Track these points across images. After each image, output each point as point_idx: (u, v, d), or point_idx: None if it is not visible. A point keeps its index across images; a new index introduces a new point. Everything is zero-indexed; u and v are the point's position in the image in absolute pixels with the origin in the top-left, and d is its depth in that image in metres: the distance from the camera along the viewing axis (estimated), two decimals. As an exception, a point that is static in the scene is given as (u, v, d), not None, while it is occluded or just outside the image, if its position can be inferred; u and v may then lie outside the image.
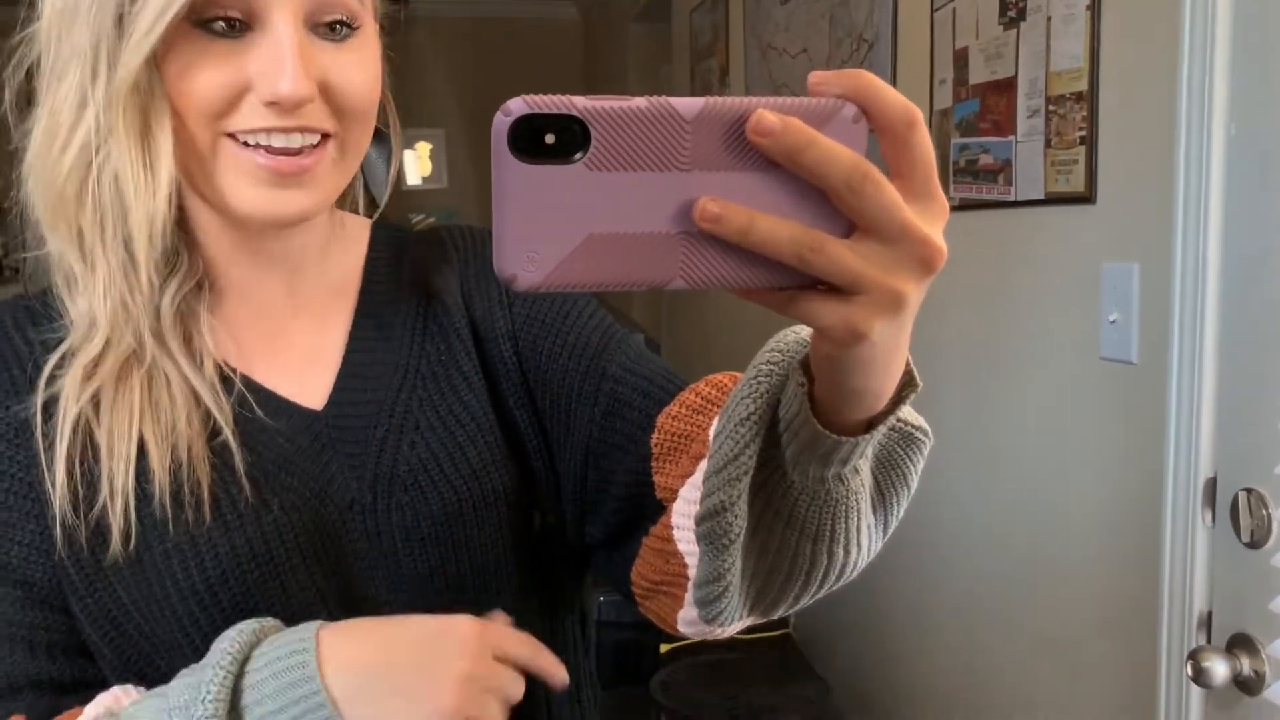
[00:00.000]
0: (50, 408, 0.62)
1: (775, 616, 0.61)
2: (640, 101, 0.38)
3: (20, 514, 0.62)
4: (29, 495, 0.62)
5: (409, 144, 4.85)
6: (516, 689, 0.60)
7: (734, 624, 0.60)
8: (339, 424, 0.70)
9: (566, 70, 5.37)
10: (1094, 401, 1.47)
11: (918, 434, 0.54)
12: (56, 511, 0.61)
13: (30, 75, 0.64)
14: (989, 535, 1.79)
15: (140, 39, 0.57)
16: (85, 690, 0.61)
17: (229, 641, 0.56)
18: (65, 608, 0.63)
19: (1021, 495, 1.67)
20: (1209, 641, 1.23)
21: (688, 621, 0.63)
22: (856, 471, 0.52)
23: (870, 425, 0.48)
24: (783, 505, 0.53)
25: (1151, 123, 1.31)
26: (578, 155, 0.38)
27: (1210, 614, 1.24)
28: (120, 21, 0.58)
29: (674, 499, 0.63)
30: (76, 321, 0.64)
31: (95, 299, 0.62)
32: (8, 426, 0.63)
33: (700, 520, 0.54)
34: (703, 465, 0.56)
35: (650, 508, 0.67)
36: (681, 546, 0.61)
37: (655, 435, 0.67)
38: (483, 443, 0.72)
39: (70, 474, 0.61)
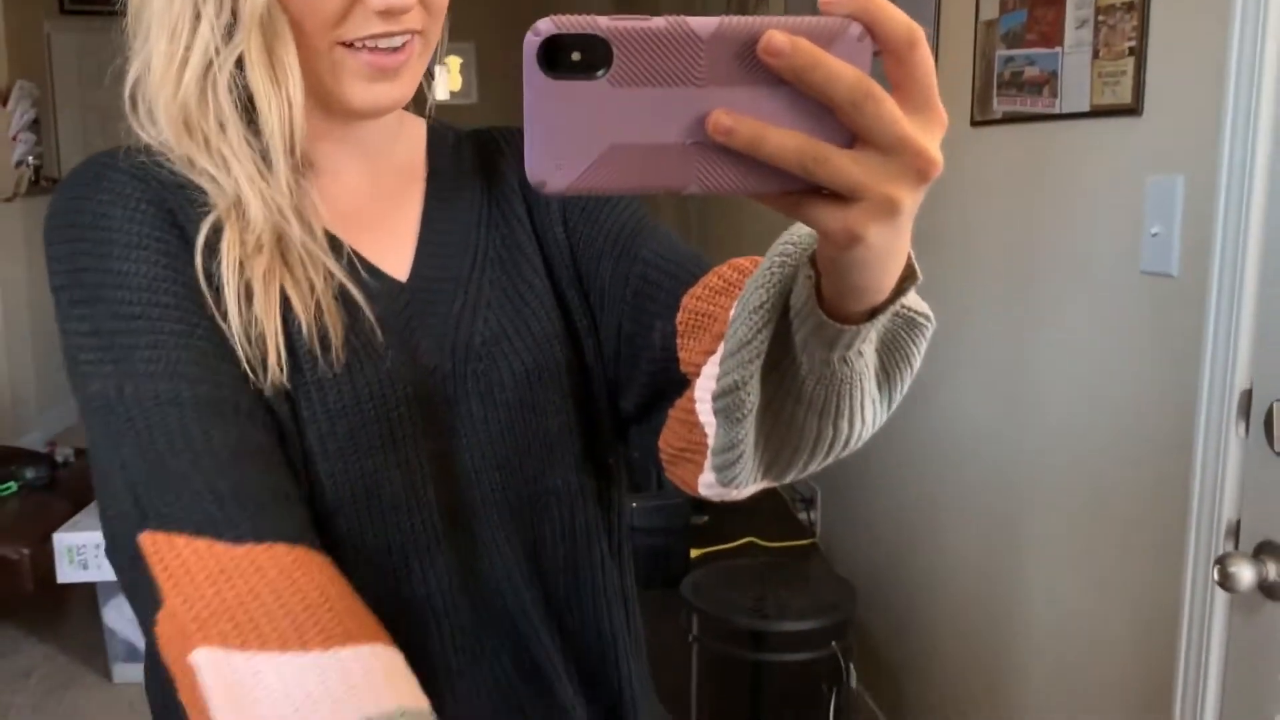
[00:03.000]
0: (208, 257, 0.68)
1: (785, 481, 0.68)
2: (659, 21, 0.42)
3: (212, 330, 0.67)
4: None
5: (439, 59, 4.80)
6: None
7: (748, 488, 0.67)
8: (421, 296, 0.75)
9: (598, -18, 5.29)
10: (1132, 315, 1.48)
11: (920, 319, 0.58)
12: (237, 338, 0.66)
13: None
14: (1021, 446, 1.82)
15: None
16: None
17: None
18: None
19: (1056, 407, 1.70)
20: (1236, 549, 1.26)
21: (707, 484, 0.69)
22: (860, 354, 0.56)
23: (872, 314, 0.53)
24: (792, 384, 0.59)
25: (1203, 33, 1.30)
26: (601, 72, 0.41)
27: (1239, 522, 1.26)
28: None
29: (697, 374, 0.68)
30: (218, 198, 0.69)
31: (241, 186, 0.69)
32: (177, 244, 0.68)
33: (717, 397, 0.60)
34: (723, 345, 0.61)
35: (676, 381, 0.73)
36: (703, 419, 0.66)
37: (681, 314, 0.73)
38: (546, 319, 0.78)
39: (239, 310, 0.67)
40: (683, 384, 0.72)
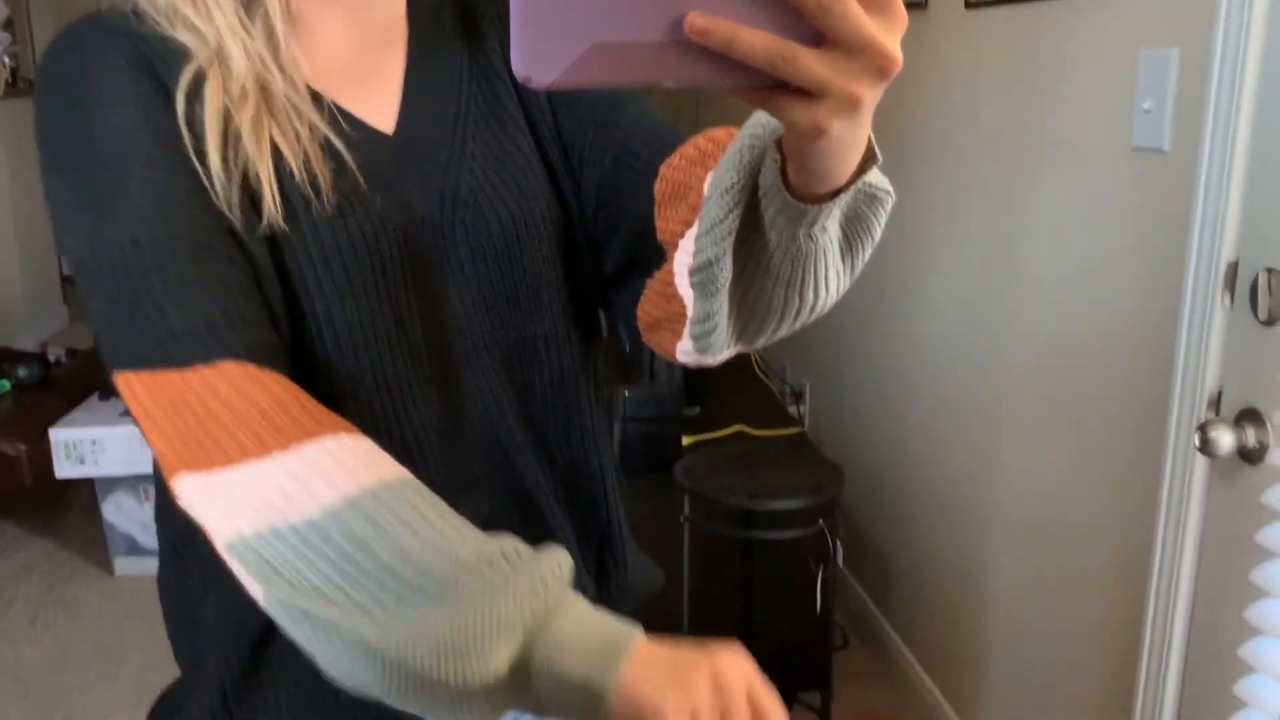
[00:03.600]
0: (189, 105, 0.69)
1: (756, 346, 0.73)
2: None
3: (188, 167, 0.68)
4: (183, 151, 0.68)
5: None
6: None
7: (722, 353, 0.73)
8: (408, 148, 0.77)
9: None
10: (1122, 190, 1.49)
11: (880, 194, 0.62)
12: (216, 180, 0.67)
13: None
14: (1007, 326, 1.84)
15: None
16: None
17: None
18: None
19: (1043, 285, 1.71)
20: (1217, 416, 1.29)
21: (684, 351, 0.74)
22: (825, 229, 0.61)
23: (834, 194, 0.58)
24: (762, 257, 0.64)
25: (1203, -100, 1.28)
26: None
27: (1220, 392, 1.29)
28: None
29: (674, 243, 0.72)
30: (199, 49, 0.70)
31: (224, 36, 0.70)
32: (157, 95, 0.69)
33: (693, 272, 0.66)
34: (697, 223, 0.66)
35: (653, 248, 0.76)
36: (681, 291, 0.70)
37: (658, 184, 0.76)
38: (531, 174, 0.81)
39: (222, 154, 0.68)
40: (659, 252, 0.76)
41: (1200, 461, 1.32)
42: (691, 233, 0.68)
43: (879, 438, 2.51)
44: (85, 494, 3.59)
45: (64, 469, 2.96)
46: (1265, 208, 1.21)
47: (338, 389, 0.72)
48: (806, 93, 0.47)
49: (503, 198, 0.78)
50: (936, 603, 2.20)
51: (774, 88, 0.47)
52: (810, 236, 0.61)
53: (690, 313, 0.70)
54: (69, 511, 3.59)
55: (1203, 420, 1.29)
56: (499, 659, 0.57)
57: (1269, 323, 1.20)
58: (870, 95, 0.48)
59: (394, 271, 0.73)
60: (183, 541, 0.79)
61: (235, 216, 0.68)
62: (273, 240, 0.70)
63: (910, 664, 2.34)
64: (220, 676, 0.77)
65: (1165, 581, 1.39)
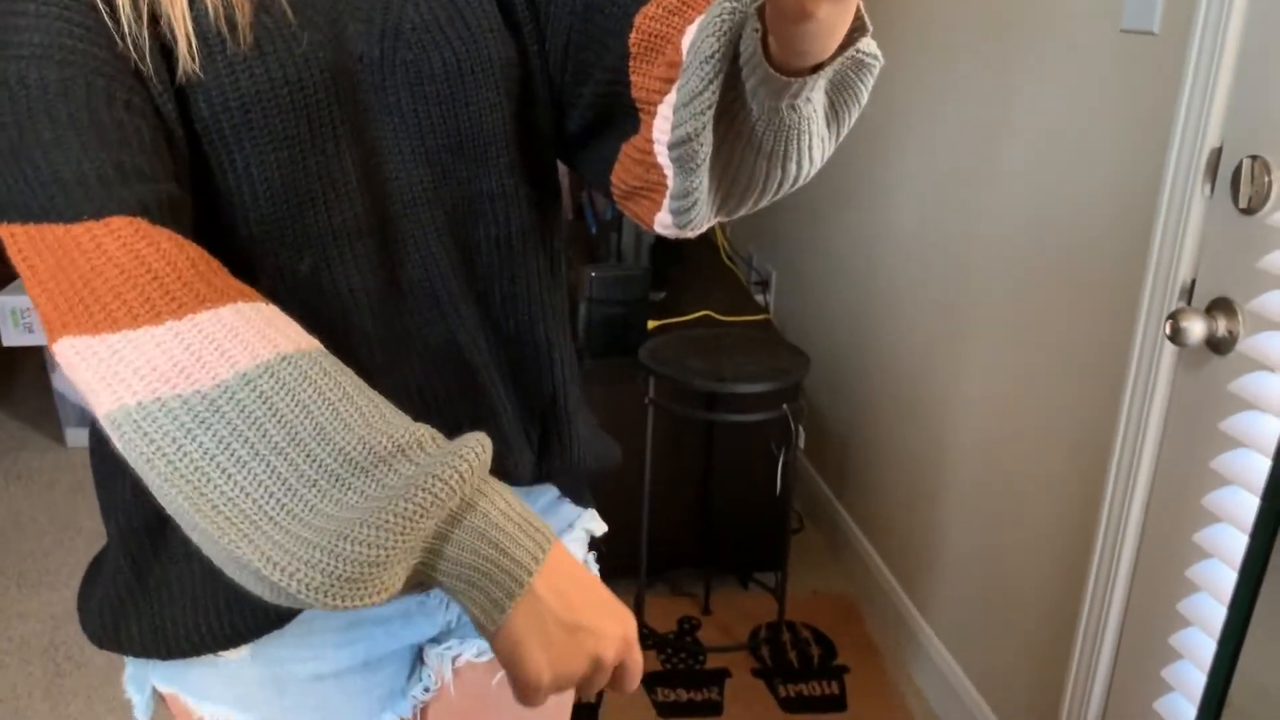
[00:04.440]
0: None
1: (737, 216, 0.71)
2: None
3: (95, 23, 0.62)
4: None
5: None
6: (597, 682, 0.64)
7: (702, 226, 0.70)
8: None
9: None
10: (1108, 73, 1.45)
11: (868, 59, 0.59)
12: (126, 29, 0.61)
13: None
14: (983, 209, 1.82)
15: None
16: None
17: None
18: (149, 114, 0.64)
19: (1020, 170, 1.69)
20: (1189, 305, 1.29)
21: (663, 224, 0.71)
22: (809, 100, 0.59)
23: (817, 68, 0.55)
24: (743, 128, 0.61)
25: None
26: None
27: (1194, 282, 1.29)
28: None
29: (650, 106, 0.68)
30: None
31: None
32: None
33: (672, 146, 0.63)
34: (675, 94, 0.62)
35: (625, 106, 0.72)
36: (660, 160, 0.67)
37: (633, 34, 0.71)
38: (481, 12, 0.75)
39: (133, 5, 0.62)
40: (633, 111, 0.71)
41: (1168, 351, 1.33)
42: (670, 100, 0.65)
43: (843, 326, 2.51)
44: (34, 363, 3.53)
45: (11, 337, 2.89)
46: (1254, 94, 1.19)
47: (260, 248, 0.67)
48: None
49: (448, 36, 0.72)
50: (894, 490, 2.23)
51: None
52: (794, 108, 0.59)
53: (670, 186, 0.67)
54: (18, 381, 3.53)
55: (1174, 309, 1.28)
56: (393, 580, 0.53)
57: (1248, 211, 1.19)
58: None
59: (321, 117, 0.67)
60: None
61: (143, 60, 0.62)
62: (183, 90, 0.64)
63: (865, 549, 2.38)
64: (125, 538, 0.75)
65: (1124, 470, 1.41)
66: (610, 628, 0.60)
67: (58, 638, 2.25)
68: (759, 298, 3.03)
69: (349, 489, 0.53)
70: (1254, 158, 1.17)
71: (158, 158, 0.61)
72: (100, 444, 0.77)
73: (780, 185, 0.66)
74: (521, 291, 0.79)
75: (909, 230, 2.13)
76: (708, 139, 0.61)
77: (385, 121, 0.71)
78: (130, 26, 0.61)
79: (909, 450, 2.14)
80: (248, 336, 0.55)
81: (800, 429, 2.01)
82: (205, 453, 0.52)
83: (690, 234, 0.71)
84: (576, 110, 0.77)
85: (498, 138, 0.75)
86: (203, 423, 0.52)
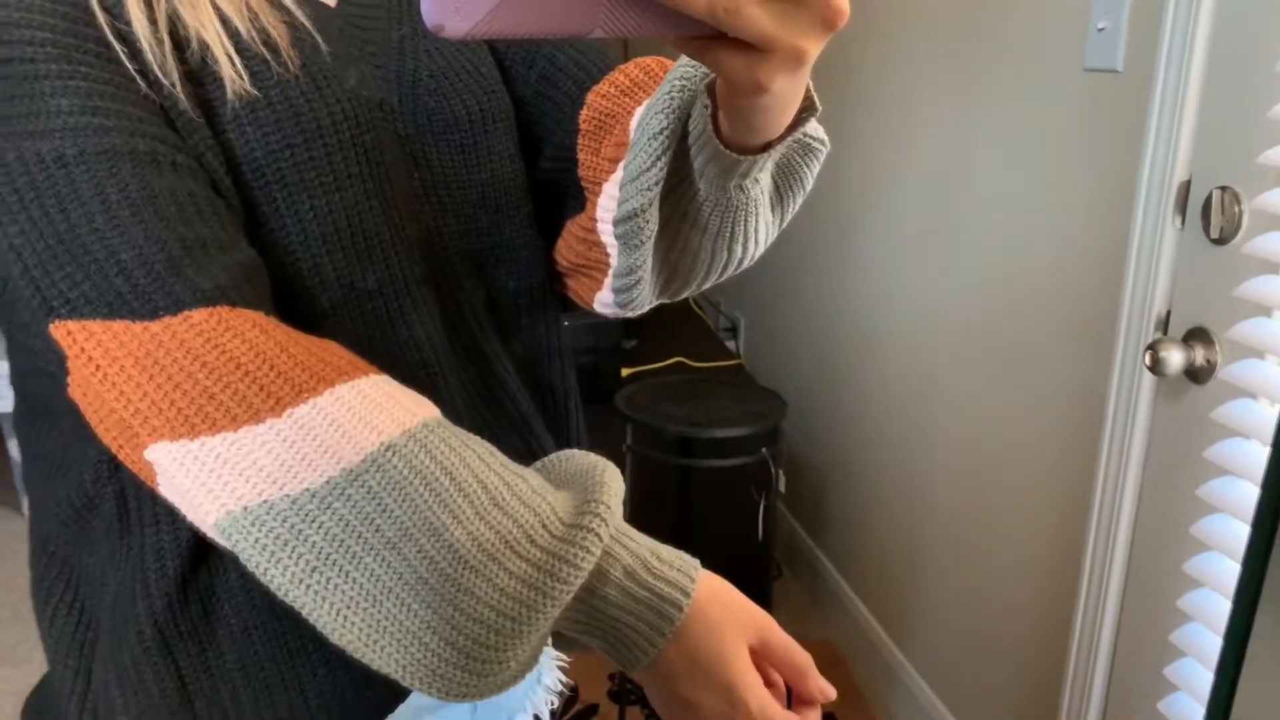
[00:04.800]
0: None
1: (679, 299, 0.71)
2: None
3: (127, 91, 0.57)
4: (117, 71, 0.57)
5: None
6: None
7: (644, 307, 0.69)
8: (356, 22, 0.68)
9: None
10: (1074, 111, 1.48)
11: (815, 144, 0.59)
12: (156, 67, 0.57)
13: None
14: (954, 247, 1.84)
15: None
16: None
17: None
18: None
19: (991, 207, 1.71)
20: (1165, 336, 1.30)
21: (604, 303, 0.71)
22: (756, 181, 0.58)
23: (767, 146, 0.54)
24: (690, 209, 0.60)
25: None
26: None
27: (1169, 313, 1.30)
28: None
29: (597, 185, 0.68)
30: None
31: None
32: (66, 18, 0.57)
33: (618, 222, 0.62)
34: (622, 170, 0.62)
35: (573, 186, 0.71)
36: (604, 238, 0.66)
37: (584, 111, 0.71)
38: (489, 63, 0.74)
39: (149, 17, 0.57)
40: (578, 189, 0.71)
41: (1147, 382, 1.33)
42: (616, 178, 0.64)
43: (815, 371, 2.51)
44: (-9, 431, 3.44)
45: (-32, 404, 2.82)
46: (1220, 126, 1.21)
47: (331, 294, 0.63)
48: (748, 45, 0.43)
49: (468, 85, 0.71)
50: (873, 532, 2.22)
51: (713, 38, 0.43)
52: (741, 188, 0.58)
53: (613, 264, 0.66)
54: (-26, 450, 3.44)
55: (1153, 339, 1.29)
56: (522, 668, 0.53)
57: (1220, 241, 1.21)
58: (815, 49, 0.44)
59: (375, 158, 0.64)
60: (86, 506, 0.64)
61: (177, 90, 0.57)
62: (227, 132, 0.59)
63: (846, 594, 2.36)
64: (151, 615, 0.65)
65: (1108, 502, 1.41)
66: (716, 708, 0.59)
67: (18, 716, 2.17)
68: (730, 344, 3.04)
69: (461, 589, 0.51)
70: (1223, 189, 1.19)
71: (217, 219, 0.57)
72: (132, 568, 0.63)
73: (725, 267, 0.65)
74: (541, 341, 0.78)
75: (879, 273, 2.15)
76: (653, 216, 0.60)
77: (412, 170, 0.68)
78: (153, 53, 0.57)
79: (887, 491, 2.14)
80: (351, 426, 0.53)
81: (780, 473, 2.00)
82: (321, 553, 0.51)
83: (630, 314, 0.70)
84: (531, 185, 0.76)
85: (517, 188, 0.74)
86: (314, 522, 0.51)
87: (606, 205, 0.65)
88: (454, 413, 0.68)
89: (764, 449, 1.94)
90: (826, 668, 2.27)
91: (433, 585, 0.50)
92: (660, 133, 0.57)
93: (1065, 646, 1.54)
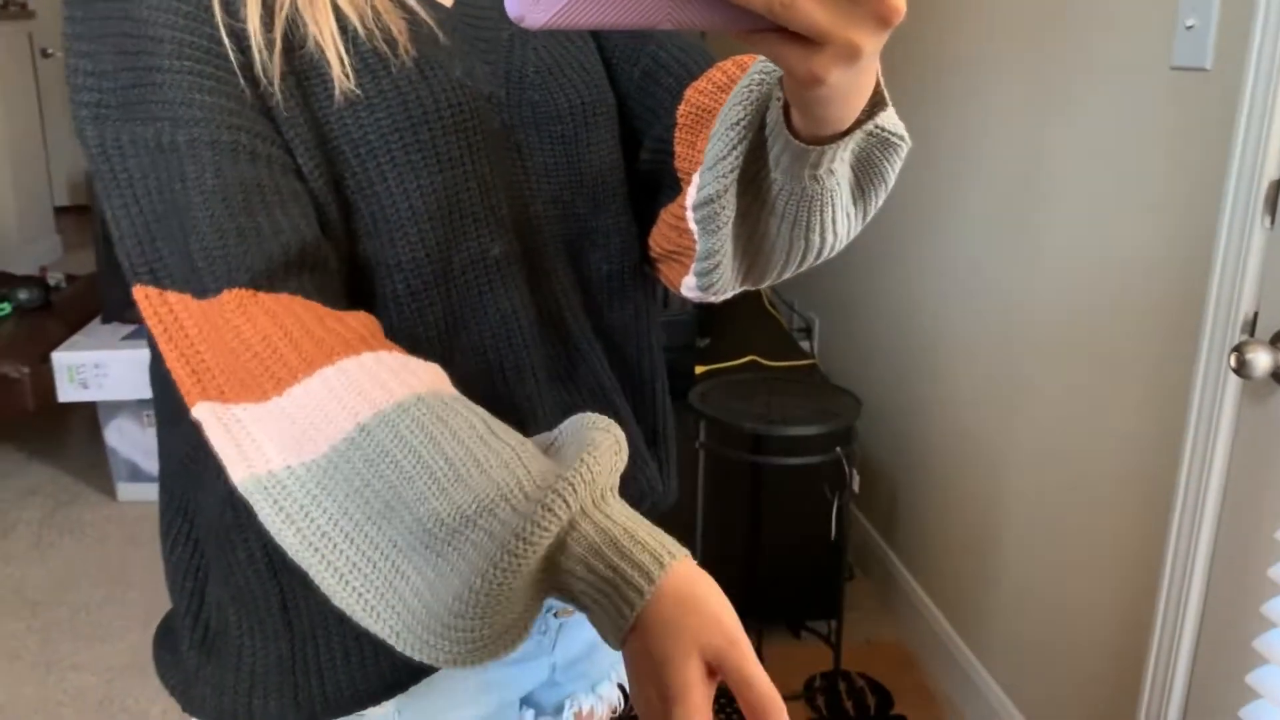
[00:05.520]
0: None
1: (763, 286, 0.73)
2: None
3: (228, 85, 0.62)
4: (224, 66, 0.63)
5: None
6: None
7: (727, 292, 0.72)
8: (469, 21, 0.73)
9: None
10: (1159, 110, 1.46)
11: (894, 139, 0.60)
12: (259, 66, 0.62)
13: None
14: (1035, 247, 1.82)
15: None
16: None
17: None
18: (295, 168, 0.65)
19: (1075, 207, 1.69)
20: (1252, 338, 1.28)
21: (689, 287, 0.73)
22: (832, 172, 0.59)
23: (838, 137, 0.56)
24: (767, 197, 0.63)
25: None
26: None
27: (1256, 314, 1.28)
28: None
29: (688, 173, 0.71)
30: None
31: None
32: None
33: (696, 207, 0.65)
34: (704, 157, 0.64)
35: (669, 177, 0.75)
36: (691, 225, 0.69)
37: (681, 106, 0.74)
38: (593, 57, 0.78)
39: (266, 33, 0.62)
40: (673, 179, 0.74)
41: (1232, 385, 1.31)
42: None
43: (890, 372, 2.50)
44: (87, 419, 3.58)
45: (67, 392, 2.94)
46: (1312, 125, 1.19)
47: (427, 270, 0.68)
48: (805, 38, 0.45)
49: (571, 80, 0.75)
50: (947, 535, 2.21)
51: (771, 31, 0.45)
52: (816, 178, 0.59)
53: (696, 249, 0.69)
54: (71, 436, 3.58)
55: (1239, 341, 1.27)
56: (521, 628, 0.56)
57: (1312, 242, 1.19)
58: (871, 44, 0.45)
59: (476, 143, 0.69)
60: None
61: (274, 88, 0.62)
62: (328, 118, 0.64)
63: (918, 596, 2.35)
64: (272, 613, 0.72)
65: (1190, 507, 1.39)
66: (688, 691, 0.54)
67: (113, 690, 2.26)
68: (804, 344, 3.03)
69: (444, 556, 0.55)
70: (1315, 188, 1.17)
71: (281, 208, 0.63)
72: (232, 505, 0.71)
73: (804, 256, 0.67)
74: (630, 325, 0.81)
75: (956, 274, 2.13)
76: (729, 201, 0.63)
77: (515, 158, 0.73)
78: (261, 55, 0.62)
79: (961, 493, 2.12)
80: (330, 408, 0.58)
81: (854, 472, 2.00)
82: (331, 519, 0.56)
83: (713, 298, 0.73)
84: (627, 172, 0.80)
85: (614, 177, 0.78)
86: (311, 497, 0.56)
87: (691, 193, 0.68)
88: (535, 385, 0.73)
89: (838, 448, 1.94)
90: (899, 667, 2.26)
91: (406, 557, 0.55)
92: (737, 123, 0.60)
93: (1143, 652, 1.52)
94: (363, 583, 0.55)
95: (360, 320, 0.63)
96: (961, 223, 2.10)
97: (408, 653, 0.55)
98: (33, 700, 2.21)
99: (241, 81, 0.62)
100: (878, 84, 0.55)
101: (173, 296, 0.61)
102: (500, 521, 0.54)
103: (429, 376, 0.60)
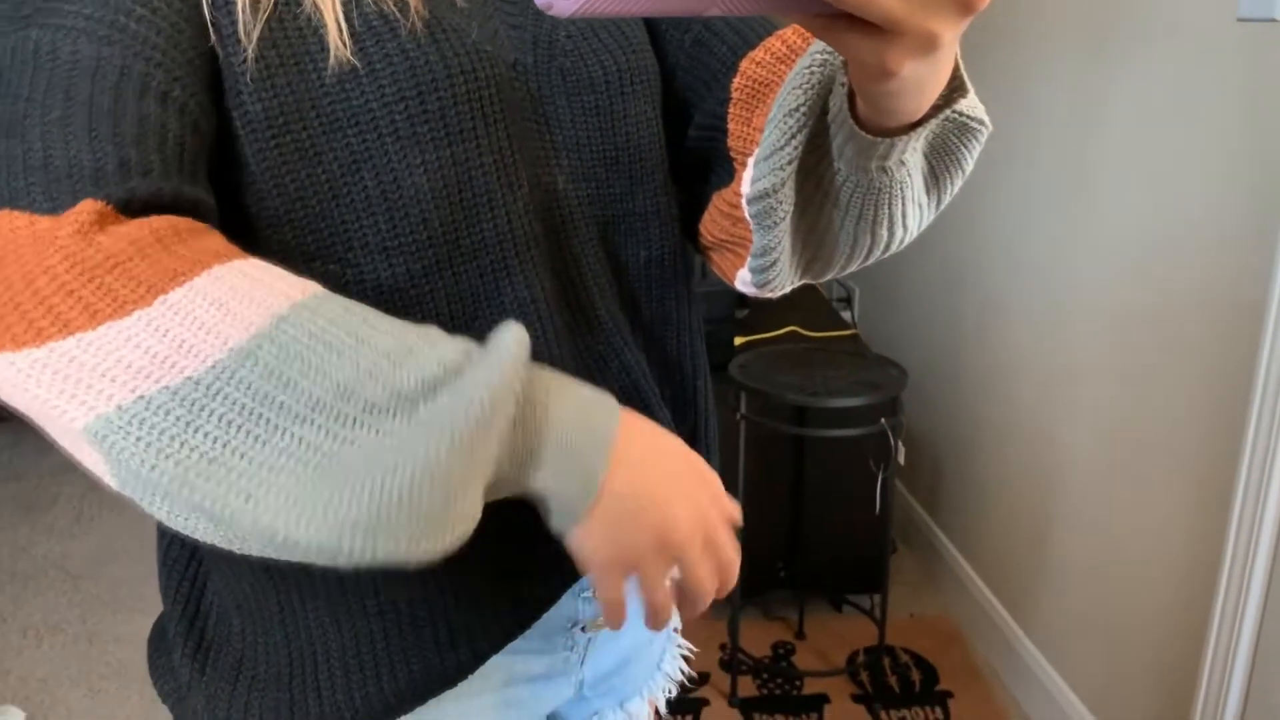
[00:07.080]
0: None
1: (824, 280, 0.68)
2: None
3: (177, 33, 0.56)
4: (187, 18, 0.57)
5: None
6: (732, 556, 0.59)
7: (784, 288, 0.66)
8: None
9: None
10: (1224, 66, 1.39)
11: (974, 124, 0.55)
12: (241, 25, 0.57)
13: None
14: (1087, 214, 1.76)
15: None
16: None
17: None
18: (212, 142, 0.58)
19: (1129, 173, 1.63)
20: (1325, 305, 1.22)
21: (743, 281, 0.67)
22: (902, 164, 0.55)
23: (910, 128, 0.51)
24: (830, 188, 0.58)
25: None
26: None
27: (1329, 280, 1.22)
28: None
29: (743, 154, 0.65)
30: None
31: None
32: None
33: (750, 201, 0.59)
34: (759, 147, 0.59)
35: (721, 157, 0.68)
36: (747, 215, 0.63)
37: (737, 79, 0.67)
38: (637, 24, 0.71)
39: None
40: (727, 159, 0.68)
41: (1303, 353, 1.25)
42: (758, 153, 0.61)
43: (934, 343, 2.45)
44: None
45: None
46: (1395, 77, 1.12)
47: (436, 250, 0.62)
48: (876, 27, 0.39)
49: (606, 44, 0.68)
50: (995, 509, 2.16)
51: (837, 17, 0.40)
52: (884, 170, 0.54)
53: (753, 243, 0.63)
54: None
55: (1311, 308, 1.22)
56: (469, 508, 0.49)
57: (1392, 202, 1.12)
58: (950, 33, 0.40)
59: (493, 113, 0.62)
60: None
61: (248, 51, 0.56)
62: (330, 86, 0.58)
63: (964, 570, 2.31)
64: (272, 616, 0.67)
65: (1252, 491, 1.33)
66: (680, 506, 0.55)
67: (153, 663, 2.27)
68: (844, 314, 2.98)
69: (387, 435, 0.47)
70: (1397, 145, 1.10)
71: (178, 160, 0.54)
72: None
73: (870, 251, 0.62)
74: (671, 314, 0.75)
75: (1004, 241, 2.07)
76: (787, 196, 0.58)
77: (543, 131, 0.67)
78: (245, 15, 0.56)
79: (1010, 468, 2.07)
80: (234, 305, 0.47)
81: (900, 444, 1.95)
82: (216, 441, 0.45)
83: (770, 294, 0.67)
84: (679, 152, 0.73)
85: (653, 154, 0.71)
86: (203, 410, 0.45)
87: (745, 181, 0.62)
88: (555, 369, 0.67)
89: (883, 420, 1.89)
90: (944, 642, 2.22)
91: (361, 443, 0.46)
92: (795, 110, 0.54)
93: (1203, 633, 1.47)
94: (277, 493, 0.46)
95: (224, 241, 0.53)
96: (1008, 188, 2.03)
97: (356, 546, 0.46)
98: (75, 673, 2.23)
99: (189, 29, 0.55)
100: (956, 67, 0.49)
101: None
102: (467, 381, 0.48)
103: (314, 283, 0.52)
